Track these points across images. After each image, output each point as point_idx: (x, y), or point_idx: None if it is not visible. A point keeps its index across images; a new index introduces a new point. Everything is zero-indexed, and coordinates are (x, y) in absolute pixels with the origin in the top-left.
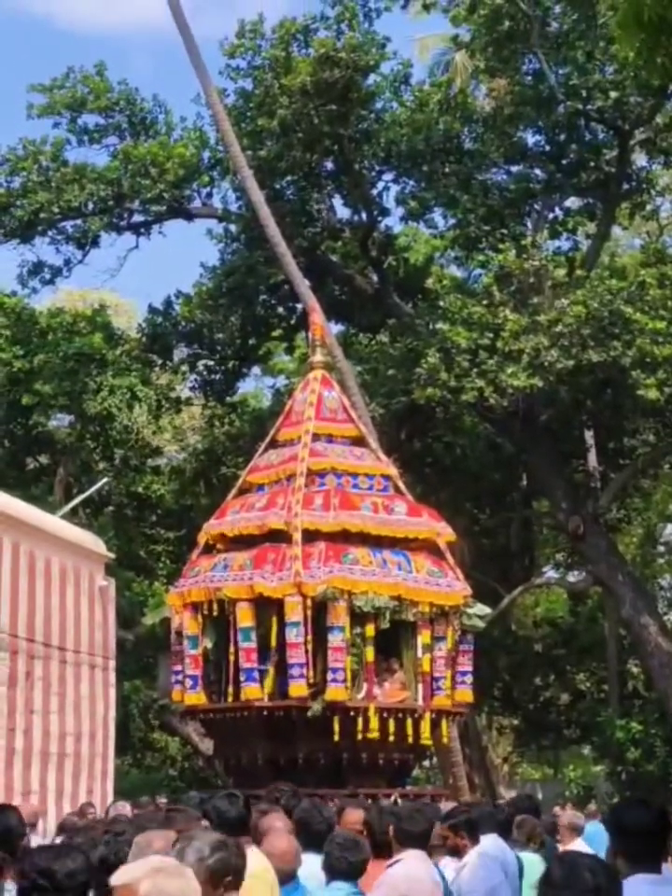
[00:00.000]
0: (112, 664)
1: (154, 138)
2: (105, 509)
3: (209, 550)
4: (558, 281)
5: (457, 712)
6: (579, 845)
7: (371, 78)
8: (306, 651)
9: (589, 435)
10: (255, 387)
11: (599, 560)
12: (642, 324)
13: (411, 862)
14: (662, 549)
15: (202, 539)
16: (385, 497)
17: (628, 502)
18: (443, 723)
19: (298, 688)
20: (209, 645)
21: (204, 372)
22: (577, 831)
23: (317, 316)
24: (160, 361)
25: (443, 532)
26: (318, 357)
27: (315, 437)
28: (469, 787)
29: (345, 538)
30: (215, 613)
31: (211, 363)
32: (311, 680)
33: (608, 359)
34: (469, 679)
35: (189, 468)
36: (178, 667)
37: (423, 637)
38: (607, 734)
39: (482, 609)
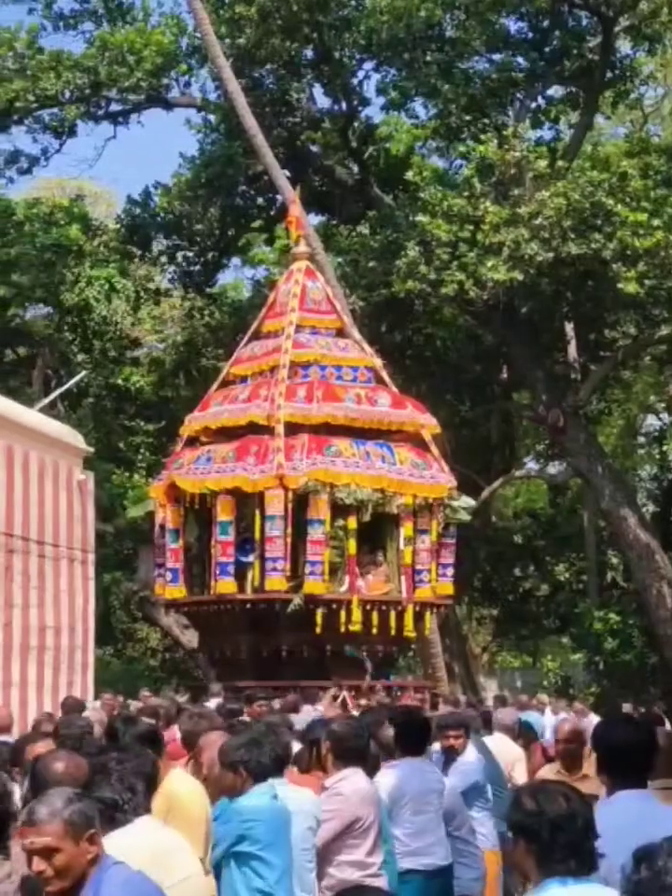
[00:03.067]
0: (91, 557)
1: (131, 24)
2: (83, 401)
3: (192, 442)
4: (540, 172)
5: (440, 604)
6: (494, 739)
7: None
8: (285, 545)
9: (569, 327)
10: (234, 278)
11: (579, 452)
12: (623, 216)
13: (356, 779)
14: (642, 440)
15: (185, 431)
16: (369, 388)
17: (608, 394)
18: (427, 615)
19: (275, 582)
20: (192, 539)
21: (184, 264)
22: (511, 731)
23: (296, 208)
24: (138, 252)
25: (428, 424)
26: (302, 247)
27: (299, 328)
28: (447, 677)
29: (329, 430)
30: (196, 506)
31: (190, 254)
32: (288, 574)
33: (588, 252)
34: (450, 571)
35: (168, 359)
36: (161, 560)
37: (405, 530)
38: (585, 624)
39: (466, 501)
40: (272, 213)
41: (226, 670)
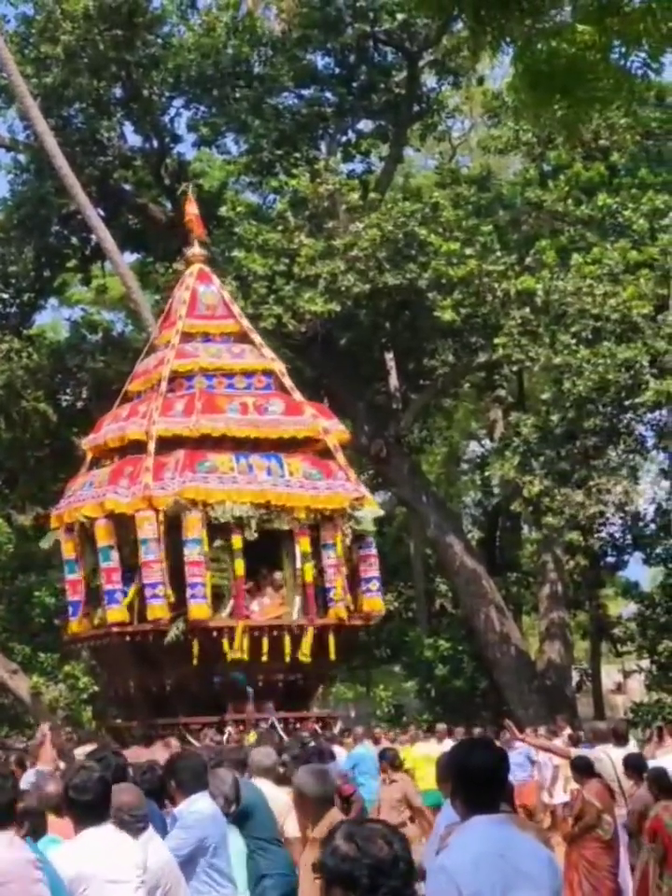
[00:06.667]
0: None
1: None
2: None
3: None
4: (353, 204)
5: (358, 625)
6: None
7: (157, 1)
8: (164, 569)
9: (389, 357)
10: (52, 319)
11: (403, 481)
12: (436, 246)
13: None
14: (465, 467)
15: (87, 454)
16: (261, 395)
17: (430, 422)
18: (331, 639)
19: (157, 609)
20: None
21: (0, 306)
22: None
23: (193, 207)
24: None
25: (333, 429)
26: (196, 249)
27: (187, 337)
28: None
29: (214, 443)
30: (87, 534)
31: (5, 296)
32: (173, 601)
33: (404, 282)
34: (374, 584)
35: None
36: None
37: (301, 546)
38: (415, 652)
39: (371, 511)
40: (86, 252)
41: (123, 708)
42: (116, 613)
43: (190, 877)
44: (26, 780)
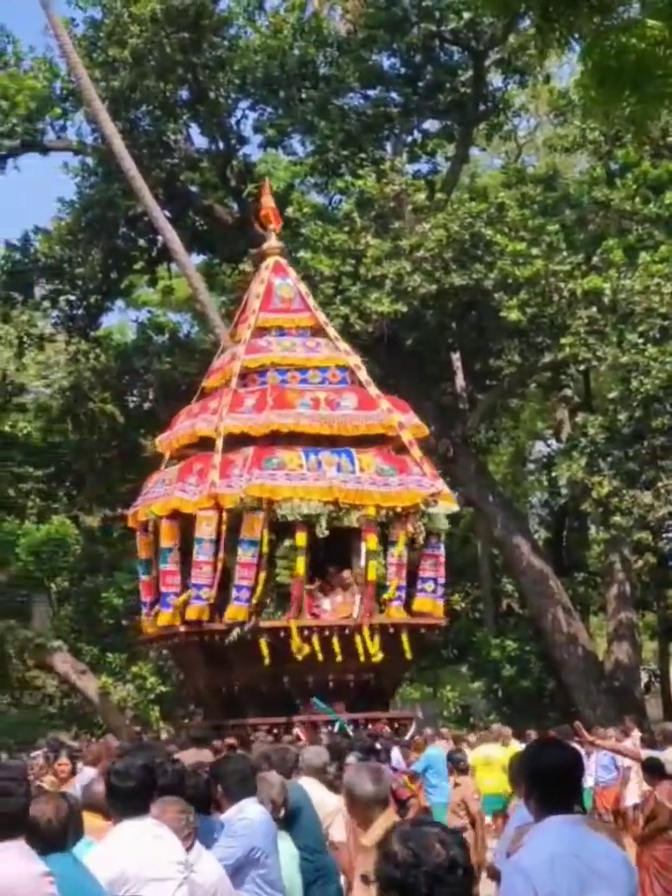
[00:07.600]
0: None
1: (2, 70)
2: None
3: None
4: (419, 205)
5: (425, 625)
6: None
7: (224, 3)
8: (214, 571)
9: (455, 357)
10: (119, 321)
11: (470, 482)
12: (503, 246)
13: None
14: (531, 467)
15: (164, 454)
16: (333, 390)
17: (497, 422)
18: (403, 639)
19: (196, 611)
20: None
21: (67, 308)
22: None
23: (269, 199)
24: (20, 298)
25: (408, 424)
26: (272, 242)
27: (262, 330)
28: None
29: (284, 439)
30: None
31: (73, 298)
32: (212, 602)
33: (470, 282)
34: (430, 586)
35: (55, 405)
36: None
37: (367, 543)
38: (483, 653)
39: (445, 507)
40: (153, 254)
41: (200, 707)
42: (167, 616)
43: (239, 887)
44: (81, 780)
